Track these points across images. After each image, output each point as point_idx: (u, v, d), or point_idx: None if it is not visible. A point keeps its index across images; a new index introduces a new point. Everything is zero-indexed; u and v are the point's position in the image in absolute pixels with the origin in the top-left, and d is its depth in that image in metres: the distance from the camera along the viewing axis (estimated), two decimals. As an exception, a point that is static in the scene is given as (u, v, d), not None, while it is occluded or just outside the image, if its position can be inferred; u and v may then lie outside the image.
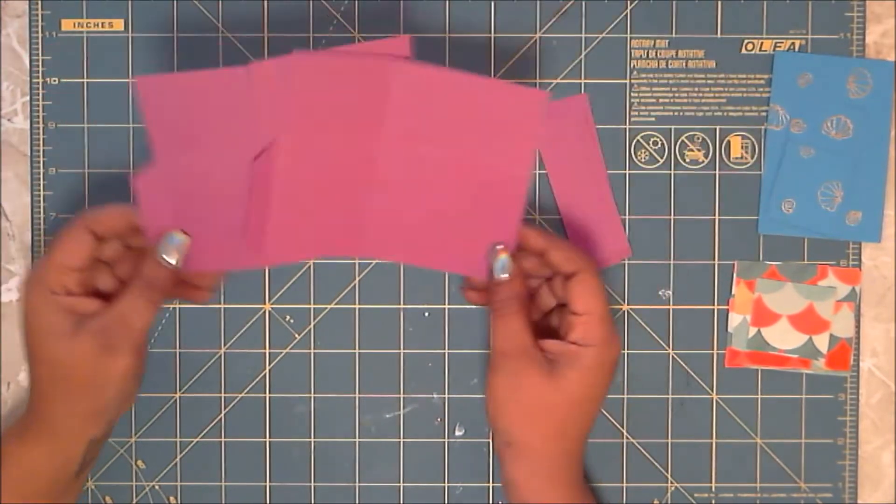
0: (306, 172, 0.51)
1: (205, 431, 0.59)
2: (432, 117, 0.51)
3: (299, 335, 0.59)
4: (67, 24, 0.59)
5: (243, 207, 0.52)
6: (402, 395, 0.59)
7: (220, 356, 0.59)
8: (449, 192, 0.53)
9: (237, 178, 0.52)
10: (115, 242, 0.53)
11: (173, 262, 0.51)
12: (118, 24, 0.59)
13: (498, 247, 0.53)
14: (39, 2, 0.59)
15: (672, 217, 0.59)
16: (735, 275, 0.59)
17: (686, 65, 0.59)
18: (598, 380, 0.52)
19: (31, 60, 0.59)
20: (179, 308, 0.59)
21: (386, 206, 0.53)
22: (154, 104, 0.51)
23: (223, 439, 0.59)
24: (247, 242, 0.52)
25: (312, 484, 0.59)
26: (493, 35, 0.59)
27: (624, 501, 0.59)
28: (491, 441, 0.59)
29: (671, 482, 0.59)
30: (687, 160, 0.59)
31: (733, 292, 0.59)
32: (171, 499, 0.59)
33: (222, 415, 0.59)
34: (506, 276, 0.52)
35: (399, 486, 0.60)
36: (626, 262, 0.59)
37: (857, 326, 0.59)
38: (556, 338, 0.53)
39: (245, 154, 0.51)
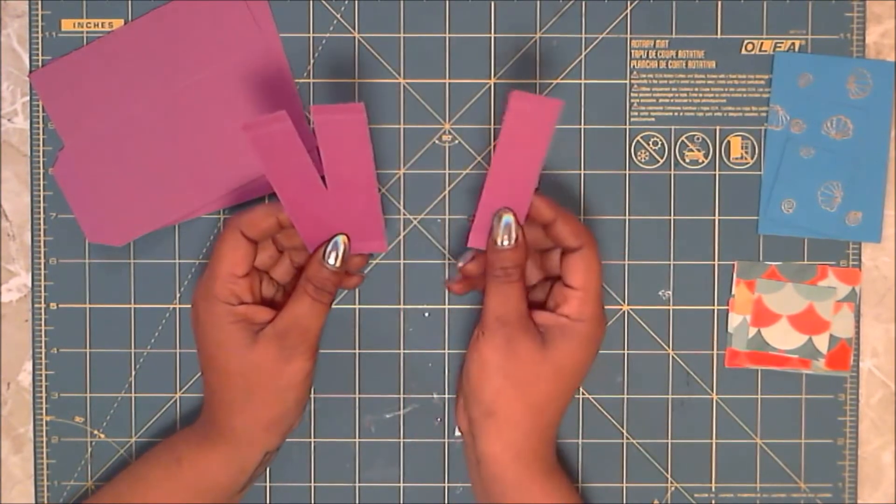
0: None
1: (205, 431, 0.59)
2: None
3: (299, 335, 0.59)
4: (67, 24, 0.59)
5: (162, 157, 0.57)
6: (402, 396, 0.59)
7: (221, 356, 0.59)
8: None
9: (150, 130, 0.57)
10: (269, 248, 0.54)
11: (336, 263, 0.52)
12: (118, 25, 0.58)
13: (503, 210, 0.51)
14: (39, 2, 0.59)
15: (672, 217, 0.59)
16: (735, 275, 0.59)
17: (686, 65, 0.59)
18: (585, 355, 0.52)
19: (31, 60, 0.59)
20: (179, 308, 0.59)
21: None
22: (53, 93, 0.57)
23: (223, 439, 0.59)
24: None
25: (312, 484, 0.59)
26: (493, 35, 0.59)
27: (624, 501, 0.59)
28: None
29: (671, 482, 0.59)
30: (687, 160, 0.59)
31: (733, 292, 0.59)
32: (172, 499, 0.59)
33: (222, 415, 0.59)
34: (509, 243, 0.51)
35: (399, 487, 0.60)
36: (626, 262, 0.59)
37: (857, 327, 0.59)
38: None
39: (149, 106, 0.57)
